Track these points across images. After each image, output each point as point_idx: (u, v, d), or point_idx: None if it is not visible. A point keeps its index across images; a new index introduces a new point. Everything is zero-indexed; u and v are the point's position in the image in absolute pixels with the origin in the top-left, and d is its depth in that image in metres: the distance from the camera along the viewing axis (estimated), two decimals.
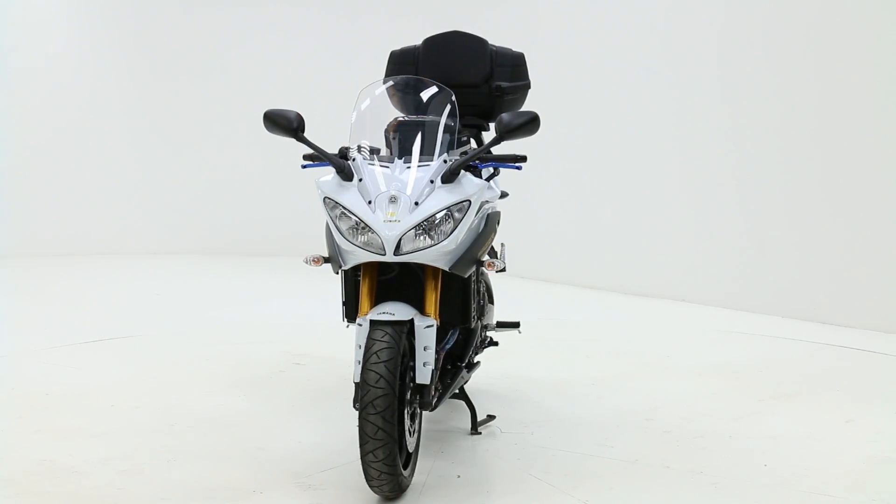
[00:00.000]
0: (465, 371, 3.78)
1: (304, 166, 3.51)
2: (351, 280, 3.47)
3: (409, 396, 3.23)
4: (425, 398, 3.26)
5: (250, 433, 3.95)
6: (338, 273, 3.42)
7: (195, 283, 7.90)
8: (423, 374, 3.24)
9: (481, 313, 3.90)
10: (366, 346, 3.11)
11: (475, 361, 4.00)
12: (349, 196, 3.29)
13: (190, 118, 9.18)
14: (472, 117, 4.53)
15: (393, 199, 3.25)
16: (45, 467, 3.49)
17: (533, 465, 3.63)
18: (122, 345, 5.53)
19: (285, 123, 3.43)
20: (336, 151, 3.49)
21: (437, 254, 3.25)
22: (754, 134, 6.74)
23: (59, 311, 6.63)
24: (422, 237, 3.24)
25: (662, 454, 3.68)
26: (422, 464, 3.58)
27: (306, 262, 3.45)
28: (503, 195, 4.70)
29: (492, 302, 4.70)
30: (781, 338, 5.91)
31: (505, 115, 3.36)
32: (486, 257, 3.51)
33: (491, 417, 4.19)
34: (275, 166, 9.03)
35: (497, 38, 8.13)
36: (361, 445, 3.08)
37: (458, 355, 3.75)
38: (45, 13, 8.89)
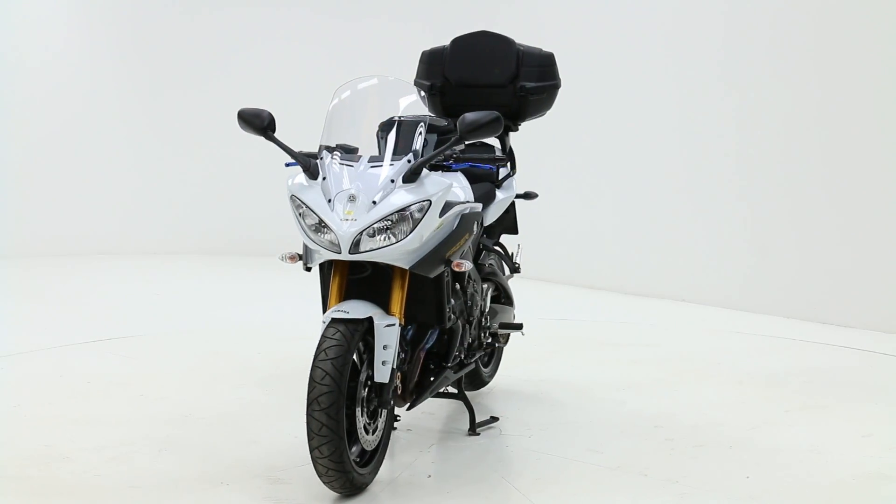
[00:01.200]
0: (450, 372, 3.84)
1: (287, 164, 3.60)
2: (327, 277, 3.57)
3: (365, 394, 3.34)
4: (383, 397, 3.36)
5: (248, 428, 4.11)
6: (308, 270, 3.55)
7: (195, 283, 7.95)
8: (382, 373, 3.33)
9: (468, 314, 3.97)
10: (317, 344, 3.23)
11: (468, 362, 4.06)
12: (312, 194, 3.39)
13: (190, 118, 9.22)
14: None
15: (352, 198, 3.32)
16: (40, 453, 3.75)
17: (510, 468, 3.72)
18: (122, 344, 5.61)
19: (257, 122, 3.54)
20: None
21: (398, 253, 3.34)
22: (757, 135, 6.75)
23: (59, 311, 6.69)
24: (380, 236, 3.31)
25: (648, 462, 3.72)
26: (400, 462, 3.73)
27: (281, 259, 3.56)
28: (531, 196, 4.70)
29: (510, 303, 4.64)
30: (826, 344, 5.85)
31: (467, 115, 3.42)
32: (455, 258, 3.58)
33: (494, 419, 4.27)
34: (275, 166, 9.05)
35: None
36: (308, 441, 3.21)
37: (443, 355, 3.81)
38: (44, 13, 8.92)
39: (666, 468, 3.65)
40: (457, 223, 3.60)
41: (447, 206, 3.49)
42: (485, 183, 4.40)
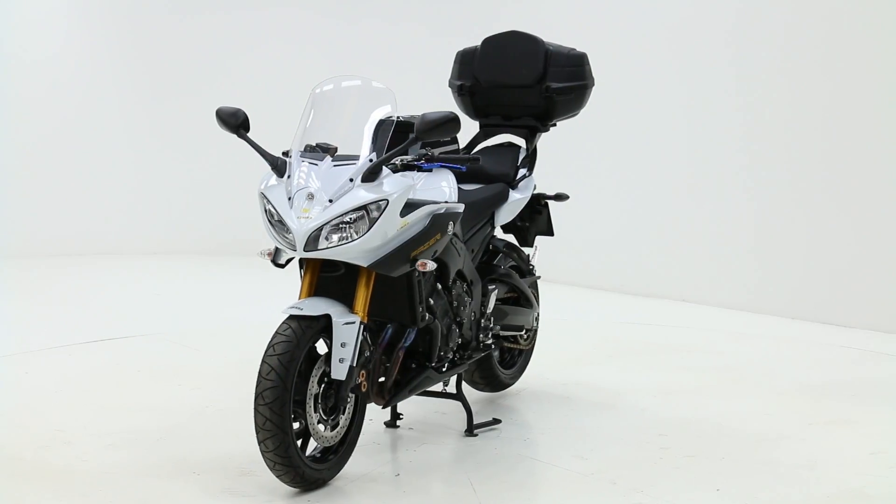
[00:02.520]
0: (432, 372, 3.92)
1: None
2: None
3: (321, 390, 3.46)
4: (340, 394, 3.47)
5: (245, 422, 4.18)
6: (282, 267, 3.69)
7: (195, 283, 7.96)
8: (339, 371, 3.45)
9: (455, 314, 4.02)
10: (269, 339, 3.38)
11: (460, 362, 4.14)
12: (276, 192, 3.50)
13: (190, 118, 9.24)
14: (528, 118, 4.64)
15: (310, 197, 3.43)
16: (46, 439, 4.05)
17: (483, 471, 3.80)
18: (122, 344, 5.67)
19: (231, 121, 3.69)
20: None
21: (355, 251, 3.43)
22: (763, 136, 6.76)
23: (59, 311, 6.78)
24: (337, 234, 3.40)
25: (627, 470, 3.78)
26: (380, 458, 3.88)
27: (260, 255, 3.71)
28: (562, 197, 4.70)
29: (529, 305, 4.68)
30: (874, 352, 5.76)
31: (426, 115, 3.50)
32: (425, 257, 3.67)
33: (496, 421, 4.35)
34: None
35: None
36: (256, 434, 3.34)
37: (426, 355, 3.90)
38: (43, 12, 8.93)
39: (639, 477, 3.70)
40: (427, 223, 3.66)
41: (414, 206, 3.58)
42: (498, 184, 4.45)
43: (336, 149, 3.58)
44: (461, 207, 3.91)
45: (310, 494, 3.50)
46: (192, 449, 3.97)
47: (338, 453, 3.60)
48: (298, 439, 3.47)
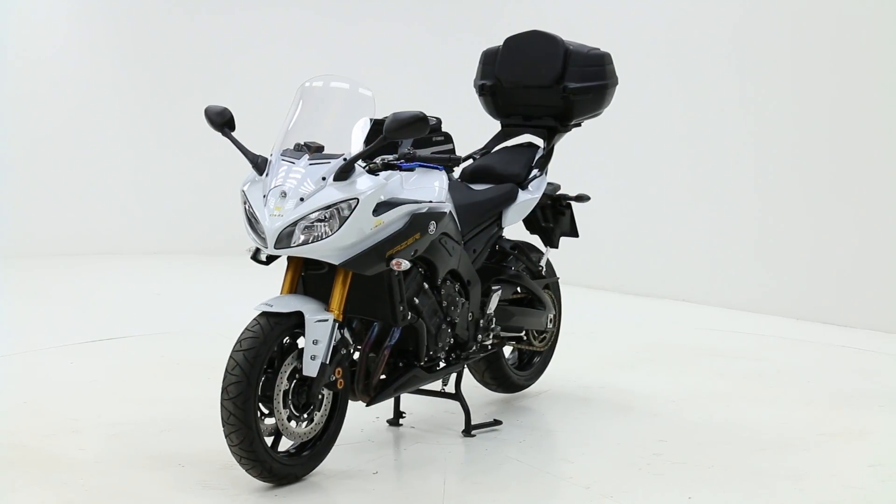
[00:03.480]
0: (420, 371, 3.97)
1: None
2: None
3: (290, 386, 3.54)
4: (311, 391, 3.56)
5: None
6: (266, 263, 3.80)
7: (195, 283, 7.98)
8: (310, 367, 3.53)
9: (445, 314, 4.06)
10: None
11: (453, 363, 4.18)
12: (253, 190, 3.61)
13: (190, 118, 9.21)
14: (548, 118, 4.65)
15: (283, 195, 3.51)
16: (56, 428, 4.25)
17: (462, 471, 3.89)
18: (122, 344, 5.85)
19: (217, 120, 3.83)
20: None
21: (326, 249, 3.51)
22: (765, 136, 6.78)
23: (59, 311, 6.83)
24: (308, 232, 3.48)
25: (606, 476, 3.81)
26: (366, 456, 3.97)
27: (248, 251, 3.82)
28: (583, 198, 4.69)
29: (542, 307, 4.68)
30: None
31: (394, 114, 3.57)
32: (402, 256, 3.72)
33: (497, 422, 4.38)
34: None
35: (496, 41, 8.10)
36: (222, 428, 3.46)
37: (415, 355, 3.97)
38: (43, 12, 8.95)
39: (615, 482, 3.73)
40: (405, 222, 3.71)
41: (392, 205, 3.65)
42: (507, 184, 4.45)
43: (322, 147, 3.65)
44: (446, 207, 3.95)
45: (279, 489, 3.58)
46: (189, 443, 4.10)
47: (314, 449, 3.68)
48: (272, 435, 3.58)
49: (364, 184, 3.55)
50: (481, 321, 4.26)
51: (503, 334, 4.47)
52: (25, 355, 5.51)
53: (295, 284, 3.70)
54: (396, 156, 3.71)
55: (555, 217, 4.75)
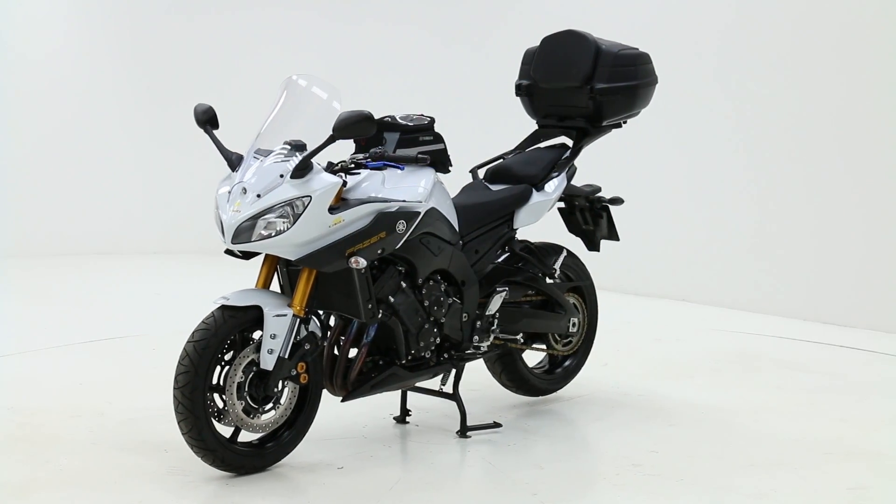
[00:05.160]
0: (400, 370, 4.03)
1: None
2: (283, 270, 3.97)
3: (244, 378, 3.65)
4: (268, 383, 3.67)
5: None
6: (246, 258, 3.86)
7: (195, 283, 7.98)
8: (267, 361, 3.65)
9: (427, 313, 4.07)
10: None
11: (441, 362, 4.19)
12: (223, 186, 3.75)
13: (190, 118, 9.20)
14: (580, 119, 4.61)
15: (244, 191, 3.64)
16: (47, 418, 4.43)
17: (425, 471, 3.89)
18: (122, 344, 5.92)
19: (202, 117, 3.98)
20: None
21: (282, 245, 3.63)
22: (763, 135, 6.79)
23: (59, 311, 6.90)
24: (265, 228, 3.60)
25: (562, 484, 3.79)
26: (343, 452, 4.02)
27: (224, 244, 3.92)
28: (617, 201, 4.72)
29: (562, 311, 4.64)
30: None
31: (341, 114, 3.66)
32: (364, 254, 3.80)
33: (496, 424, 4.38)
34: None
35: (497, 42, 8.23)
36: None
37: (396, 353, 4.04)
38: (43, 12, 8.96)
39: (569, 492, 3.72)
40: (369, 221, 3.78)
41: (356, 203, 3.74)
42: (521, 185, 4.46)
43: (305, 145, 3.75)
44: (422, 207, 3.96)
45: (240, 479, 3.70)
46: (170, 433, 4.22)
47: (279, 442, 3.78)
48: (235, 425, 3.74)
49: (319, 182, 3.65)
50: (478, 322, 4.26)
51: (506, 337, 4.41)
52: (25, 355, 5.56)
53: (269, 279, 3.85)
54: (365, 155, 3.84)
55: (594, 220, 4.76)
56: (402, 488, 3.69)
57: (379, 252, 3.82)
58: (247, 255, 3.83)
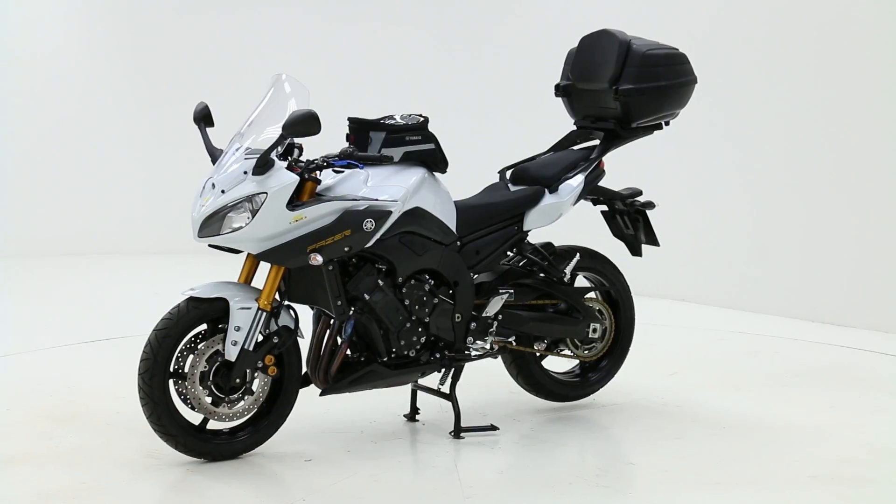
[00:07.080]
0: (381, 367, 4.06)
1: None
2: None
3: (207, 368, 3.78)
4: (231, 374, 3.78)
5: None
6: (236, 252, 3.96)
7: (195, 283, 7.94)
8: (230, 352, 3.77)
9: (409, 312, 4.09)
10: None
11: (431, 361, 4.19)
12: (201, 182, 3.89)
13: (190, 117, 9.22)
14: (611, 120, 4.55)
15: (213, 186, 3.80)
16: (45, 414, 4.55)
17: (404, 473, 3.93)
18: (122, 344, 5.85)
19: (199, 115, 4.17)
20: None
21: (244, 240, 3.76)
22: (761, 136, 6.80)
23: (59, 311, 6.94)
24: (229, 222, 3.73)
25: (522, 489, 3.74)
26: (325, 445, 4.08)
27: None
28: (649, 206, 4.64)
29: (582, 315, 4.57)
30: None
31: (290, 113, 3.77)
32: (328, 252, 3.86)
33: (493, 427, 4.37)
34: None
35: (496, 43, 8.22)
36: None
37: (376, 350, 4.10)
38: (43, 11, 8.99)
39: (521, 499, 3.65)
40: (334, 218, 3.85)
41: (319, 200, 3.82)
42: (533, 187, 4.44)
43: (293, 144, 3.94)
44: (395, 207, 3.96)
45: (211, 465, 3.83)
46: None
47: (251, 431, 3.89)
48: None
49: (277, 179, 3.76)
50: (473, 323, 4.23)
51: (501, 339, 4.35)
52: (25, 355, 5.60)
53: (251, 274, 3.96)
54: (335, 154, 3.92)
55: (633, 224, 4.69)
56: (347, 485, 3.68)
57: (346, 250, 3.86)
58: (232, 250, 3.91)
